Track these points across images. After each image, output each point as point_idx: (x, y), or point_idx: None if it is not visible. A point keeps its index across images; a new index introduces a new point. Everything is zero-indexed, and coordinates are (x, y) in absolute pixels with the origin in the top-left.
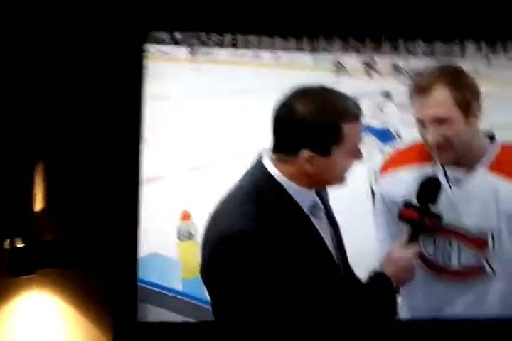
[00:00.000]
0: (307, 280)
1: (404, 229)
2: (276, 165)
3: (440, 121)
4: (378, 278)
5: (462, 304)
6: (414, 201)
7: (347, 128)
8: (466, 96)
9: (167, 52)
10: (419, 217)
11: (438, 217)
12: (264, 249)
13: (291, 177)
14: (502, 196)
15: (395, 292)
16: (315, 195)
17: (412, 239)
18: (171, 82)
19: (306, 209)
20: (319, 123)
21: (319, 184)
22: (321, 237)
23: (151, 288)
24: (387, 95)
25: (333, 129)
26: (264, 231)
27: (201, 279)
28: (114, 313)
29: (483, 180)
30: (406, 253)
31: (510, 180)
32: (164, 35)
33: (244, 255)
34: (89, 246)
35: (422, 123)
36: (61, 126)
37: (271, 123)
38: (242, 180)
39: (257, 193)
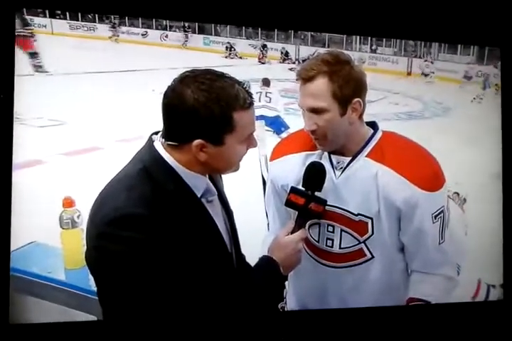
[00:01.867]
0: (198, 267)
1: (292, 215)
2: (167, 151)
3: (315, 111)
4: (267, 262)
5: (345, 287)
6: (301, 187)
7: (238, 116)
8: (345, 90)
9: (45, 26)
10: (306, 202)
11: (323, 202)
12: (152, 233)
13: (184, 164)
14: (381, 182)
15: (282, 276)
16: (208, 180)
17: (299, 224)
18: (51, 56)
19: (199, 194)
20: (211, 114)
21: (213, 171)
22: (215, 223)
23: (33, 279)
24: (267, 82)
25: (225, 119)
26: (153, 216)
27: (87, 265)
28: None
29: (364, 166)
30: (292, 239)
31: (389, 167)
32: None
33: (130, 240)
34: None
35: (302, 108)
36: None
37: (161, 108)
38: (132, 163)
39: (147, 177)
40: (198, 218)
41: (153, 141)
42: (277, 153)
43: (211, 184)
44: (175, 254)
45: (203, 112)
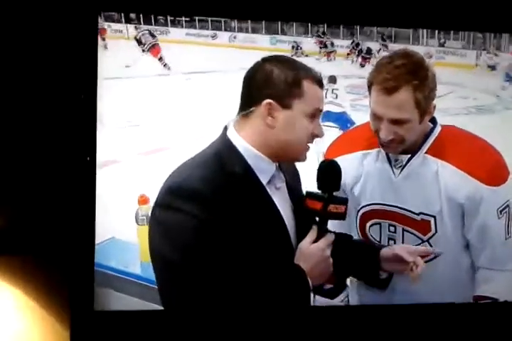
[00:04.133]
0: (252, 256)
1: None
2: (238, 129)
3: (397, 122)
4: (294, 272)
5: (410, 286)
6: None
7: (308, 85)
8: (427, 98)
9: (121, 31)
10: (323, 206)
11: (344, 201)
12: (207, 211)
13: (253, 143)
14: (442, 179)
15: (308, 287)
16: (276, 167)
17: (323, 229)
18: (127, 61)
19: (265, 180)
20: (284, 75)
21: (282, 151)
22: (278, 211)
23: (111, 273)
24: (334, 79)
25: (296, 82)
26: (212, 195)
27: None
28: (72, 302)
29: (423, 163)
30: (318, 247)
31: (449, 163)
32: (117, 14)
33: (183, 212)
34: (42, 232)
35: (377, 117)
36: (11, 105)
37: (242, 85)
38: (206, 149)
39: (217, 160)
40: (260, 204)
41: (226, 130)
42: (333, 153)
43: (281, 173)
44: (228, 237)
45: (276, 73)
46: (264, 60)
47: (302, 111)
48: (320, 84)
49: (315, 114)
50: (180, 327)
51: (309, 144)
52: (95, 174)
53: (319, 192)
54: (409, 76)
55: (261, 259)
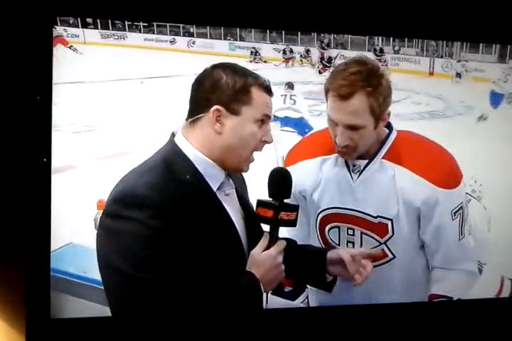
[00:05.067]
0: (203, 260)
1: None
2: (187, 136)
3: (352, 128)
4: (246, 279)
5: (368, 287)
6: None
7: (256, 92)
8: (381, 104)
9: (77, 35)
10: (275, 214)
11: (294, 208)
12: (156, 217)
13: (202, 149)
14: (399, 184)
15: (261, 293)
16: (225, 173)
17: (274, 237)
18: (83, 66)
19: (215, 186)
20: (232, 82)
21: (226, 159)
22: (228, 216)
23: (71, 279)
24: (291, 85)
25: (244, 89)
26: (161, 201)
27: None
28: (28, 310)
29: (380, 168)
30: (269, 254)
31: (406, 167)
32: (74, 19)
33: (131, 219)
34: None
35: (334, 123)
36: None
37: (190, 92)
38: (153, 155)
39: (165, 166)
40: (211, 210)
41: (173, 136)
42: (292, 159)
43: (231, 180)
44: (180, 244)
45: (224, 79)
46: (214, 66)
47: (251, 117)
48: (268, 91)
49: (264, 120)
50: (137, 333)
51: (265, 151)
52: (50, 179)
53: (270, 200)
54: (364, 82)
55: (214, 266)
